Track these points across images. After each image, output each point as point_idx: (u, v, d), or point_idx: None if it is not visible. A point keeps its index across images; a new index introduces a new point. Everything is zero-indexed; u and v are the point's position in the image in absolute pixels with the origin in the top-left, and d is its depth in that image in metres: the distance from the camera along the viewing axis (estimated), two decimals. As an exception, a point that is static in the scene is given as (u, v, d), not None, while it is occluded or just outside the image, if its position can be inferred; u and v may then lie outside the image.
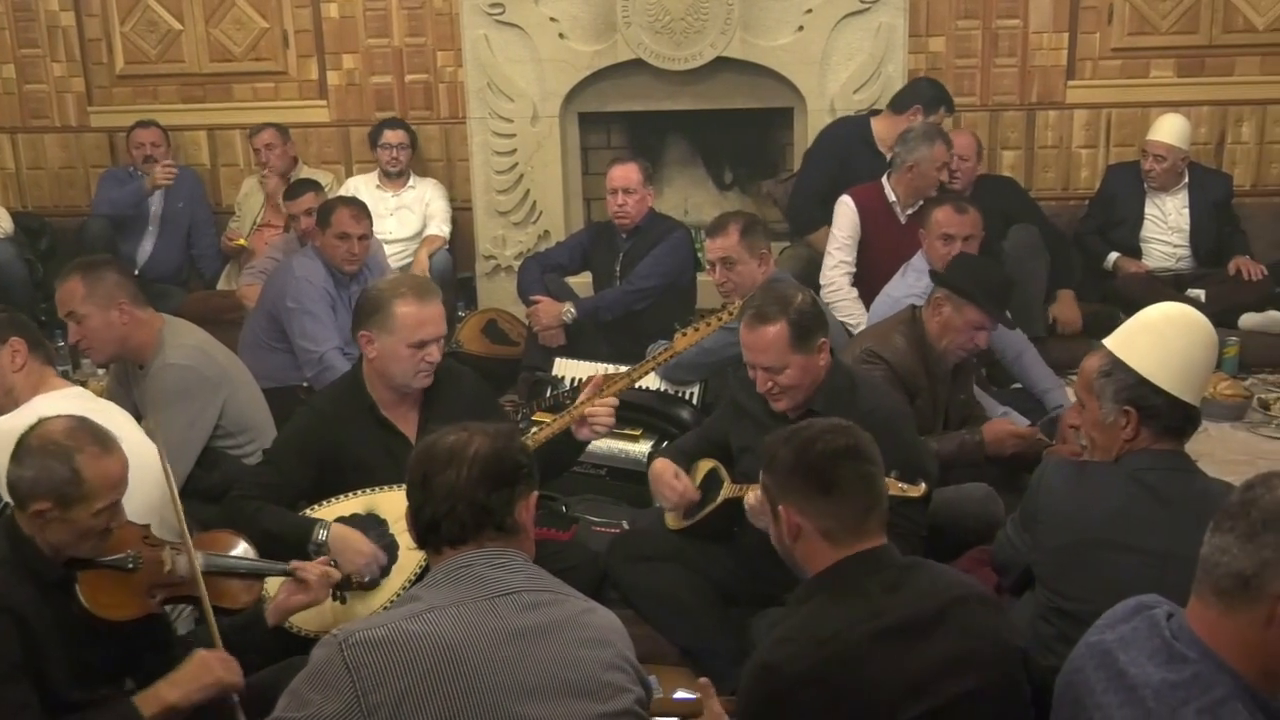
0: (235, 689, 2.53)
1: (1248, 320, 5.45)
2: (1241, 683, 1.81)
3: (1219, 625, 1.83)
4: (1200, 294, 5.51)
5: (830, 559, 2.20)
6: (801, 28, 5.93)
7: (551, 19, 6.03)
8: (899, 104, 5.52)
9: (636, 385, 4.06)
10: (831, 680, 2.06)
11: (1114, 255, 5.92)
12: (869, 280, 4.92)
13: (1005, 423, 3.94)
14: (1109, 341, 2.68)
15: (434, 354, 3.27)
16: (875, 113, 5.68)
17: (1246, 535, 1.80)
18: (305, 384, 4.65)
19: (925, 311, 3.93)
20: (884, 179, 5.14)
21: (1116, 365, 2.62)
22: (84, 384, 4.57)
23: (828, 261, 5.12)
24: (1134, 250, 5.92)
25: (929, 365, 3.87)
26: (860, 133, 5.60)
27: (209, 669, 2.51)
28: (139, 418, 3.67)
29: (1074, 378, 5.20)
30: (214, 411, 3.75)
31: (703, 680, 2.29)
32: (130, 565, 2.58)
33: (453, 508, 2.09)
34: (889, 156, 5.28)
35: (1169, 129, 5.83)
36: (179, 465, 3.48)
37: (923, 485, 3.00)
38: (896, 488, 2.95)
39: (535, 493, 2.22)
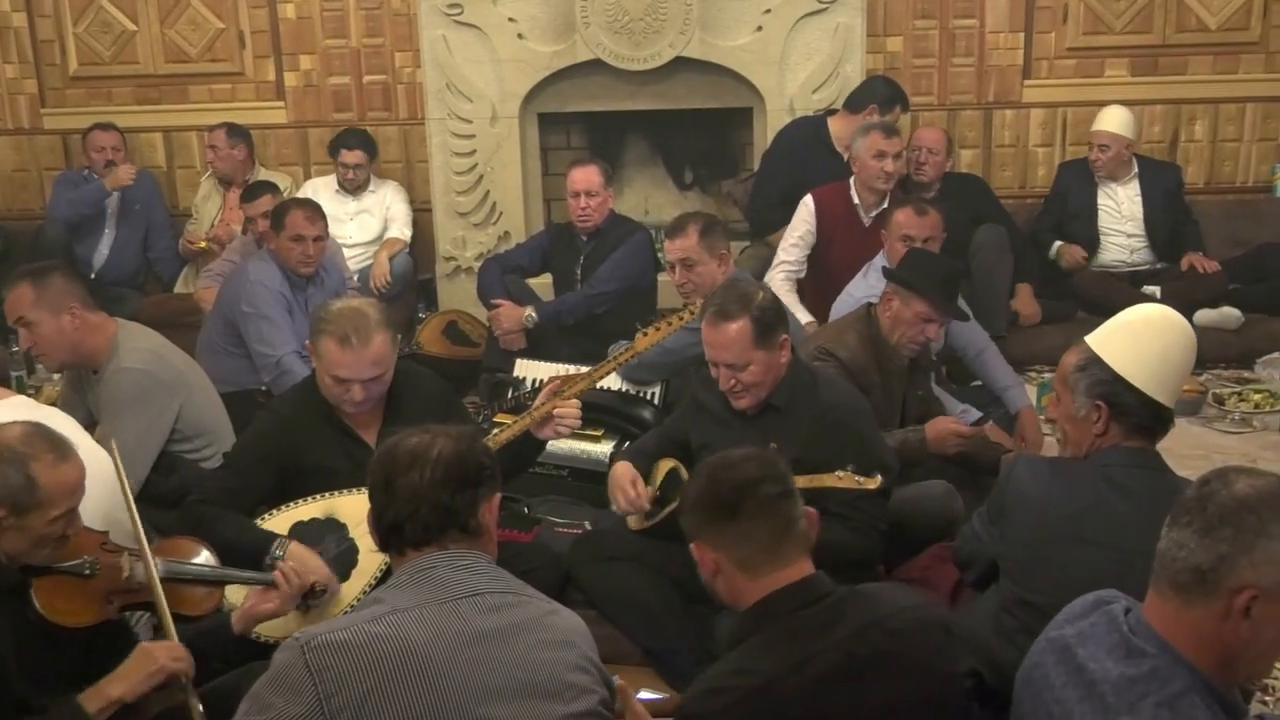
0: (183, 674, 2.49)
1: (1202, 317, 5.51)
2: (1199, 676, 1.83)
3: (1176, 619, 1.86)
4: (1156, 291, 5.58)
5: (755, 593, 2.15)
6: (760, 28, 5.95)
7: (510, 19, 6.02)
8: (855, 103, 5.55)
9: (599, 386, 4.06)
10: None
11: (1057, 244, 5.97)
12: (831, 281, 4.91)
13: (949, 421, 3.93)
14: (1090, 338, 2.72)
15: (356, 394, 3.21)
16: (832, 112, 5.71)
17: (1203, 530, 1.82)
18: (263, 388, 4.62)
19: (878, 308, 3.95)
20: (850, 180, 5.16)
21: (1092, 361, 2.66)
22: (39, 389, 4.53)
23: (774, 260, 5.13)
24: (1092, 244, 5.97)
25: (882, 361, 3.89)
26: (817, 133, 5.63)
27: (151, 658, 2.48)
28: (93, 424, 3.64)
29: (1032, 374, 5.28)
30: (170, 416, 3.71)
31: (620, 683, 2.21)
32: (87, 571, 2.56)
33: (416, 510, 2.09)
34: (846, 157, 5.31)
35: (1112, 118, 5.92)
36: (135, 471, 3.45)
37: (879, 478, 3.01)
38: (852, 481, 2.97)
39: (499, 494, 2.22)
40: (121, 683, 2.45)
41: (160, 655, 2.49)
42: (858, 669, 2.06)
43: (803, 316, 4.85)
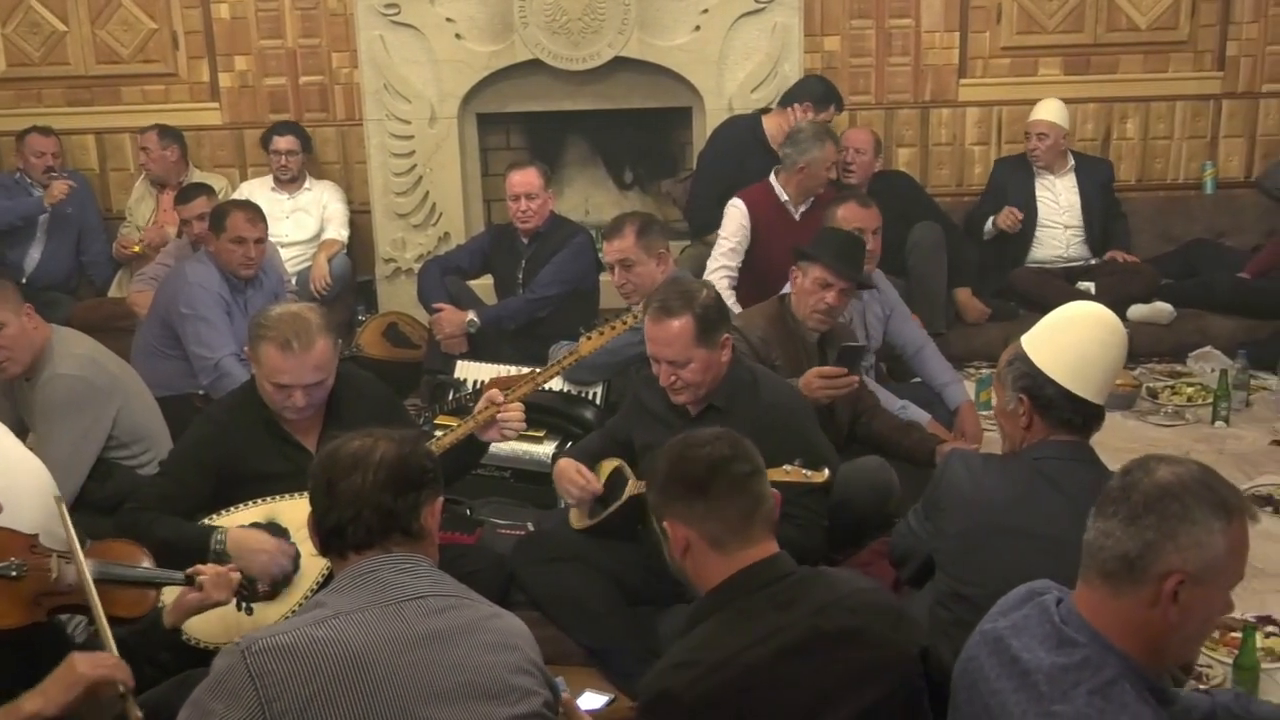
0: (120, 682, 2.42)
1: (1136, 311, 5.60)
2: (1130, 664, 1.87)
3: (1106, 608, 1.90)
4: (1090, 286, 5.66)
5: (722, 572, 2.17)
6: (698, 27, 5.97)
7: (448, 19, 5.99)
8: (788, 100, 5.59)
9: (541, 387, 4.06)
10: (730, 705, 2.05)
11: (992, 217, 6.03)
12: (767, 279, 4.92)
13: (814, 371, 3.84)
14: (1024, 335, 2.77)
15: (298, 400, 3.18)
16: (765, 111, 5.74)
17: (1129, 518, 1.87)
18: (201, 392, 4.56)
19: (790, 289, 4.03)
20: (772, 178, 5.19)
21: (1019, 356, 2.71)
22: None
23: (710, 264, 5.12)
24: (1029, 236, 6.03)
25: (785, 339, 3.94)
26: (753, 131, 5.67)
27: (71, 669, 2.40)
28: (24, 431, 3.58)
29: (971, 370, 5.35)
30: (107, 422, 3.66)
31: (565, 696, 2.22)
32: (14, 574, 2.52)
33: (358, 513, 2.08)
34: (783, 154, 5.34)
35: (1047, 108, 6.03)
36: (71, 478, 3.40)
37: (826, 471, 3.04)
38: (800, 474, 2.99)
39: (441, 498, 2.21)
40: (39, 696, 2.38)
41: (81, 666, 2.42)
42: (821, 643, 2.10)
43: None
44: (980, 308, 5.77)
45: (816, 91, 5.58)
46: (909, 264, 5.56)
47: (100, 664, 2.43)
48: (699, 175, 5.84)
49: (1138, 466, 1.93)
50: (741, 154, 5.61)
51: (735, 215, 5.11)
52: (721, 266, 5.09)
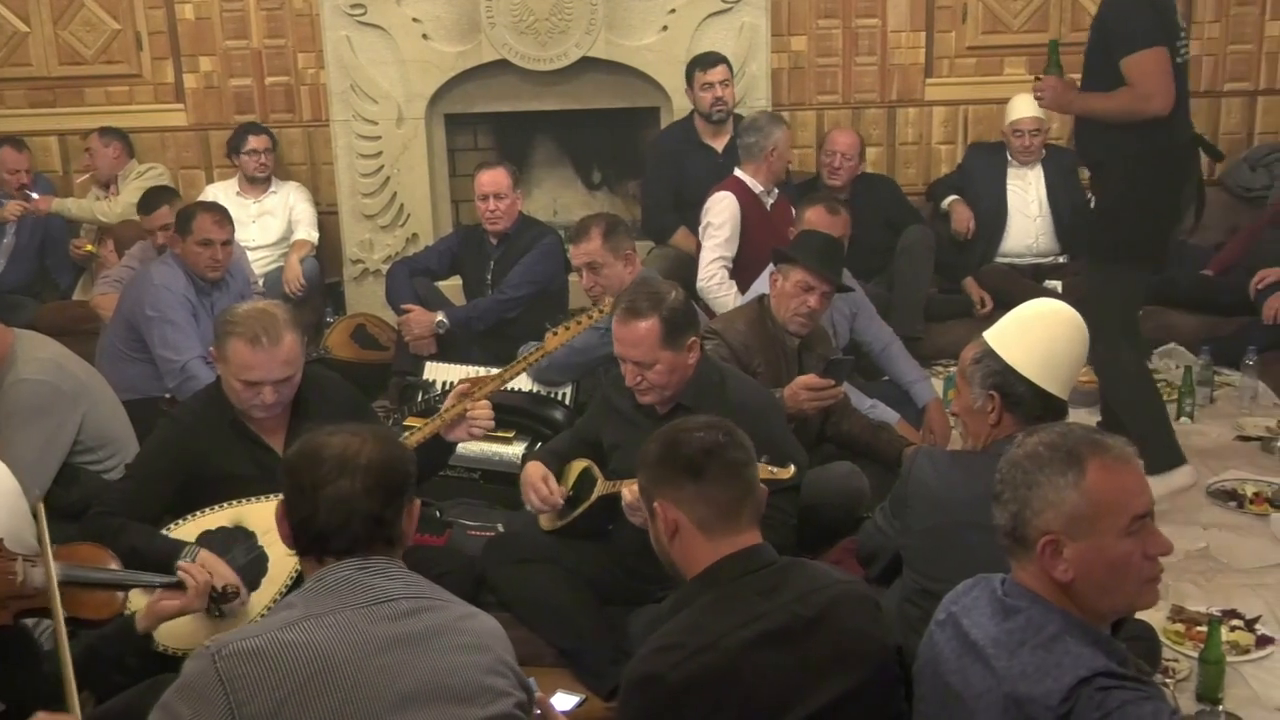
0: None
1: (1100, 309, 5.63)
2: (1071, 619, 1.95)
3: (1030, 577, 2.01)
4: (1057, 285, 5.69)
5: (708, 556, 2.20)
6: (666, 28, 5.98)
7: (414, 20, 5.98)
8: (691, 82, 5.70)
9: (510, 387, 4.05)
10: (713, 687, 2.07)
11: (951, 198, 6.07)
12: (751, 269, 4.93)
13: (800, 382, 3.84)
14: (987, 333, 2.80)
15: (267, 396, 3.15)
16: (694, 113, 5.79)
17: (998, 498, 2.03)
18: (168, 395, 4.53)
19: (770, 292, 4.04)
20: (739, 172, 5.21)
21: (987, 353, 2.74)
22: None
23: (705, 255, 5.13)
24: (999, 228, 6.05)
25: (766, 342, 3.95)
26: (687, 133, 5.75)
27: None
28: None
29: (939, 368, 5.37)
30: (72, 427, 3.63)
31: (540, 696, 2.24)
32: None
33: (347, 521, 2.04)
34: (720, 148, 5.54)
35: (1027, 104, 6.03)
36: (37, 483, 3.37)
37: (792, 468, 3.06)
38: (766, 471, 3.00)
39: (418, 500, 2.20)
40: None
41: None
42: (802, 629, 2.13)
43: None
44: (980, 291, 5.82)
45: (697, 62, 5.69)
46: (897, 265, 5.60)
47: None
48: (646, 187, 5.92)
49: (1013, 446, 2.07)
50: (679, 156, 5.70)
51: (728, 205, 5.12)
52: (719, 258, 5.10)
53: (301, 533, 2.09)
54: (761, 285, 4.44)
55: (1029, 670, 1.89)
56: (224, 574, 2.94)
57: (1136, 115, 3.95)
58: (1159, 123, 3.97)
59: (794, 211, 5.06)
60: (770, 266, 4.61)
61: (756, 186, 5.18)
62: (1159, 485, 4.14)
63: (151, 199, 5.42)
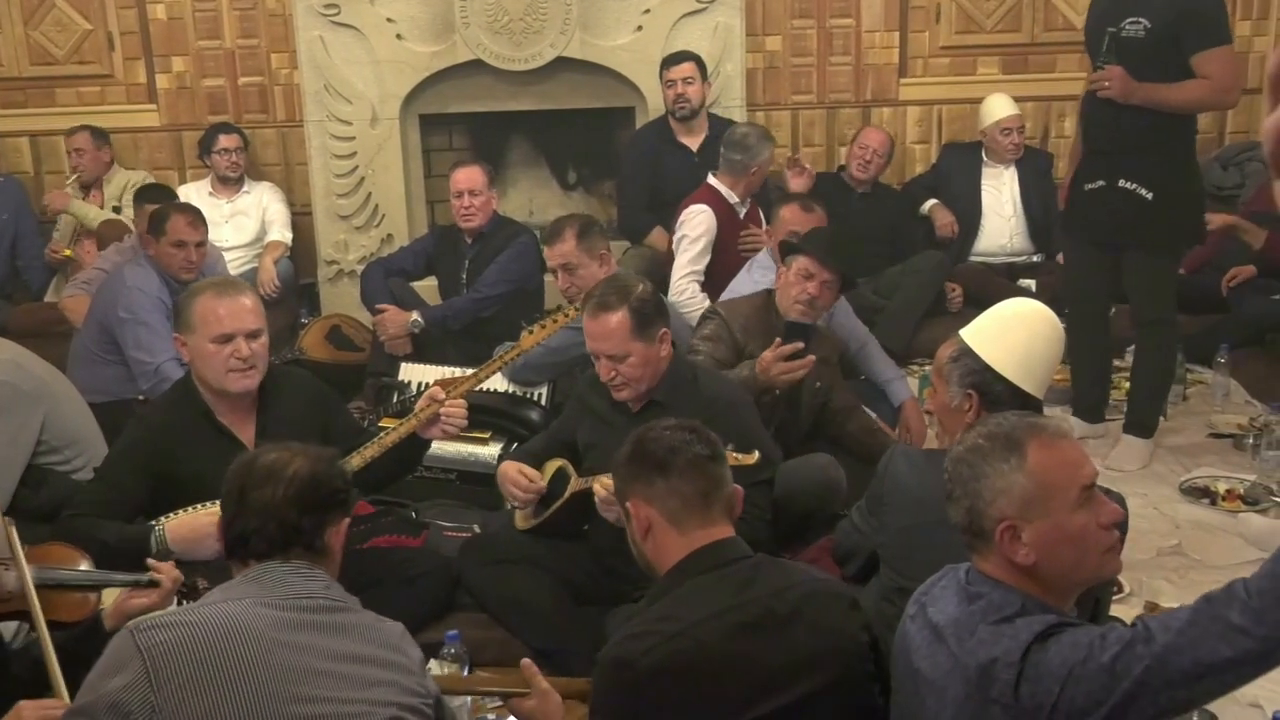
0: None
1: (1074, 308, 5.66)
2: (1032, 599, 1.99)
3: (993, 566, 2.04)
4: (1031, 284, 5.72)
5: (681, 550, 2.22)
6: (640, 28, 5.98)
7: (388, 19, 5.96)
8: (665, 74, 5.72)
9: (485, 388, 4.04)
10: (683, 674, 2.08)
11: (931, 202, 6.12)
12: (724, 276, 4.92)
13: (768, 354, 3.78)
14: (963, 331, 2.82)
15: (242, 349, 3.14)
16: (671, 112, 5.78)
17: (949, 496, 2.08)
18: (141, 397, 4.49)
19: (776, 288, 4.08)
20: (714, 181, 5.18)
21: (964, 352, 2.76)
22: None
23: (677, 271, 5.07)
24: (974, 226, 6.10)
25: (764, 330, 3.95)
26: (662, 133, 5.75)
27: (19, 716, 2.37)
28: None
29: (914, 367, 5.39)
30: (35, 427, 3.60)
31: (525, 661, 2.34)
32: None
33: (264, 524, 2.16)
34: (694, 147, 5.56)
35: (1004, 103, 6.09)
36: (1, 484, 3.34)
37: (756, 454, 3.04)
38: (732, 458, 3.00)
39: (347, 519, 2.28)
40: None
41: (28, 714, 2.38)
42: (776, 622, 2.14)
43: None
44: (953, 285, 5.85)
45: (665, 60, 5.73)
46: (904, 281, 5.63)
47: (46, 708, 2.38)
48: (622, 188, 5.92)
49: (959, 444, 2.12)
50: (654, 156, 5.71)
51: (704, 220, 5.05)
52: (690, 272, 5.04)
53: (228, 534, 2.21)
54: (736, 291, 4.45)
55: (986, 639, 1.94)
56: (202, 527, 2.98)
57: (1208, 107, 4.10)
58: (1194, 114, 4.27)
59: (762, 216, 5.10)
60: (742, 271, 4.65)
61: (732, 198, 5.17)
62: (1147, 450, 4.53)
63: (153, 199, 5.35)
